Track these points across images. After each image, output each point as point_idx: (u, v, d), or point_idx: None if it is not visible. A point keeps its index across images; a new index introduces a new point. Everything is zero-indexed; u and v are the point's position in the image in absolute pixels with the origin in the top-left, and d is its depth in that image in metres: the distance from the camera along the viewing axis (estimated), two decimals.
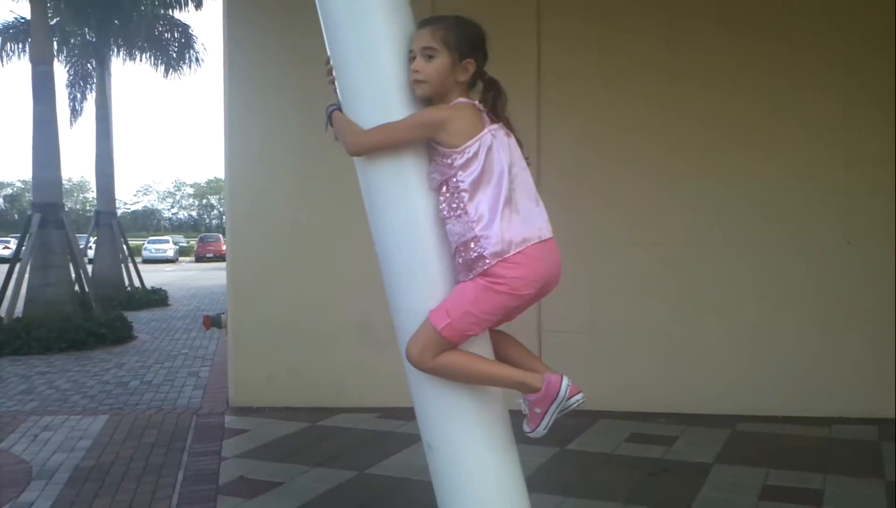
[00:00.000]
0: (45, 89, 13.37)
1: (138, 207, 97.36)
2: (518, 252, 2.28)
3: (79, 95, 21.48)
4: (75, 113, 21.67)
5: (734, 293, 6.19)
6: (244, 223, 6.89)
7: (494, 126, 2.38)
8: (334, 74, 2.48)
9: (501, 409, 2.48)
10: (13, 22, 19.78)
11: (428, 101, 2.41)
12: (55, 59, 19.11)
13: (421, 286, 2.39)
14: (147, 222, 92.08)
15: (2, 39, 19.86)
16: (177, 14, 20.18)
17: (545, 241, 2.36)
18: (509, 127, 2.44)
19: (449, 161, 2.31)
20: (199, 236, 54.87)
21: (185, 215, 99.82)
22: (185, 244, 58.79)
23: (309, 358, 6.76)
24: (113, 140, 20.57)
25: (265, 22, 6.71)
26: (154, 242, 51.85)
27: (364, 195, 2.48)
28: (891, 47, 5.74)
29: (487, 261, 2.27)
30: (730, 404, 6.15)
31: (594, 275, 6.32)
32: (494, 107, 2.42)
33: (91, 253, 20.76)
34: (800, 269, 6.08)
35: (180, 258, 51.58)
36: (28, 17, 15.26)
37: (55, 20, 19.60)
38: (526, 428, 2.43)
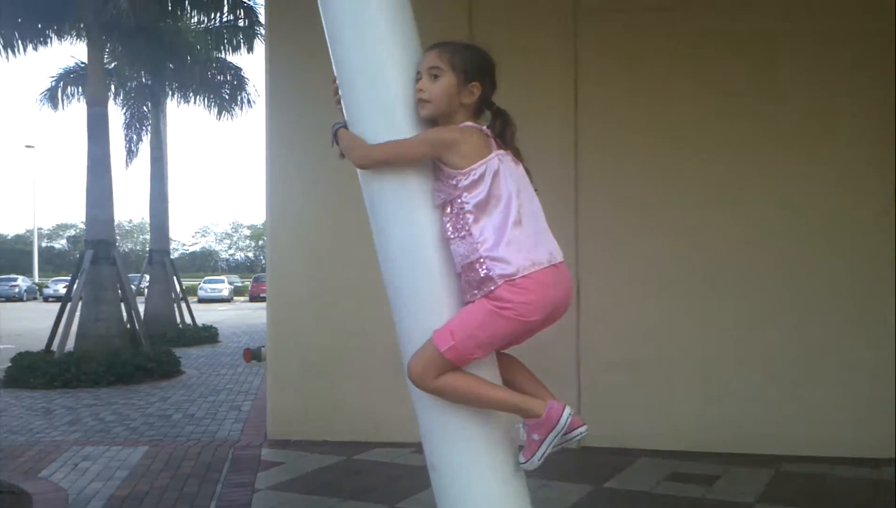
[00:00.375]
0: (100, 130, 13.75)
1: (196, 248, 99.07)
2: (525, 276, 2.22)
3: (134, 137, 21.96)
4: (131, 154, 22.15)
5: (779, 331, 6.03)
6: (284, 258, 6.96)
7: (501, 152, 2.35)
8: (340, 92, 2.48)
9: (506, 433, 2.42)
10: (73, 67, 20.37)
11: (433, 122, 2.39)
12: (112, 102, 19.78)
13: (425, 305, 2.34)
14: (205, 263, 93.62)
15: (62, 84, 20.43)
16: (229, 57, 20.59)
17: (555, 265, 2.30)
18: (518, 156, 2.41)
19: (454, 182, 2.29)
20: (254, 276, 55.54)
21: (242, 256, 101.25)
22: (240, 284, 59.57)
23: (347, 392, 6.75)
24: (167, 180, 21.03)
25: (306, 65, 6.74)
26: (209, 281, 52.64)
27: (369, 213, 2.46)
28: None
29: (496, 281, 2.22)
30: (774, 443, 5.98)
31: (635, 311, 6.23)
32: (503, 135, 2.39)
33: (145, 291, 21.08)
34: (847, 308, 5.91)
35: (235, 298, 52.23)
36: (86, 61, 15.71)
37: (112, 64, 20.18)
38: (520, 459, 2.35)
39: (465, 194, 2.27)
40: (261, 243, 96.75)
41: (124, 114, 21.83)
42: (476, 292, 2.27)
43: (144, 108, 21.61)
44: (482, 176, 2.27)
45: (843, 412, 5.90)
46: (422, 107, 2.36)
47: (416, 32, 2.49)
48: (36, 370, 11.53)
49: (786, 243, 6.01)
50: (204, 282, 52.30)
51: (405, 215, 2.37)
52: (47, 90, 20.48)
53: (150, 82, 20.76)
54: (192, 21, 19.13)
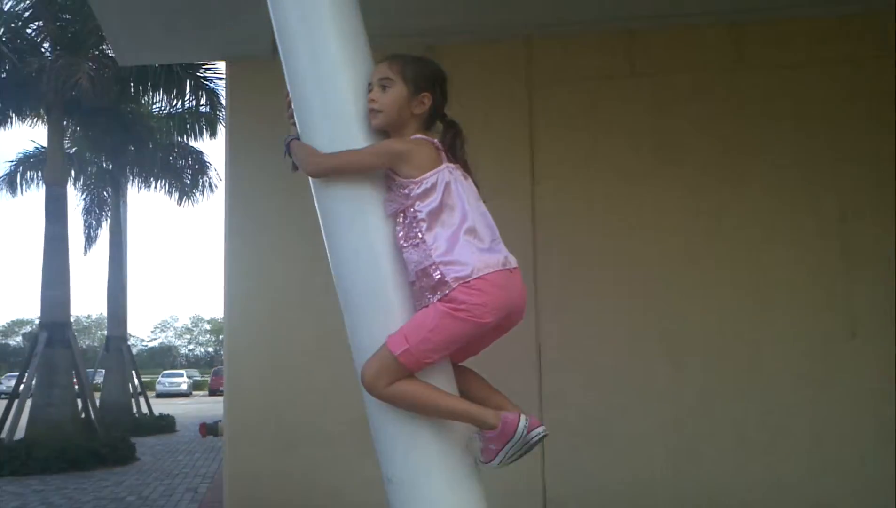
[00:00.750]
0: (58, 210, 13.59)
1: (155, 343, 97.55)
2: (479, 278, 2.22)
3: (94, 223, 21.70)
4: (90, 240, 21.81)
5: (747, 395, 5.87)
6: (241, 326, 6.70)
7: (451, 165, 2.37)
8: (293, 105, 2.48)
9: (461, 438, 2.35)
10: (32, 151, 20.26)
11: (384, 134, 2.41)
12: (72, 186, 19.59)
13: (377, 312, 2.32)
14: (164, 359, 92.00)
15: (21, 168, 20.27)
16: (192, 142, 20.64)
17: (509, 270, 2.30)
18: (467, 169, 2.43)
19: (406, 191, 2.29)
20: (213, 370, 54.62)
21: (202, 350, 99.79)
22: (199, 379, 58.50)
23: (307, 460, 6.45)
24: (126, 266, 20.74)
25: (265, 154, 6.60)
26: (168, 375, 51.59)
27: (321, 221, 2.44)
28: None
29: (450, 285, 2.21)
30: None
31: (597, 373, 6.06)
32: (453, 147, 2.42)
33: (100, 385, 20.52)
34: (816, 372, 5.78)
35: (194, 392, 51.20)
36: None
37: (73, 149, 20.08)
38: (480, 457, 2.31)
39: (417, 203, 2.28)
40: (220, 337, 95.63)
41: (84, 199, 21.62)
42: (430, 296, 2.25)
43: (104, 193, 21.44)
44: (434, 186, 2.29)
45: (812, 478, 5.71)
46: (373, 117, 2.38)
47: (368, 45, 2.51)
48: None
49: (752, 309, 5.89)
50: (162, 376, 51.25)
51: (356, 222, 2.37)
52: (6, 174, 20.36)
53: (110, 167, 20.64)
54: (155, 106, 19.17)
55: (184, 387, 49.12)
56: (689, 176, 5.97)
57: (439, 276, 2.22)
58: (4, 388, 46.66)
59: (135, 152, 19.39)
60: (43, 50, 15.36)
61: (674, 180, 5.97)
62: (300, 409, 6.42)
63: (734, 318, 5.86)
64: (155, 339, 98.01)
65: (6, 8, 15.48)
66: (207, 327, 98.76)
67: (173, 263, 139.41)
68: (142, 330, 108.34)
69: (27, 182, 20.46)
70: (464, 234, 2.26)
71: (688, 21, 5.95)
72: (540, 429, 2.27)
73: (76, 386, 13.18)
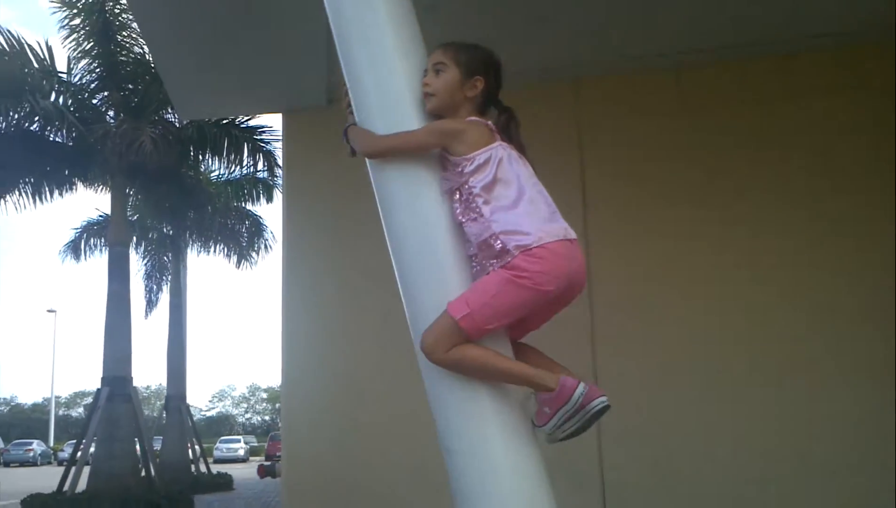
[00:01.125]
0: (121, 269, 14.04)
1: (213, 412, 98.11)
2: (541, 246, 2.24)
3: (154, 287, 22.28)
4: (151, 304, 22.36)
5: (807, 430, 5.79)
6: (299, 374, 6.73)
7: (504, 143, 2.44)
8: (349, 93, 2.59)
9: (518, 407, 2.36)
10: (96, 219, 20.96)
11: (438, 117, 2.48)
12: (133, 251, 20.15)
13: (434, 286, 2.37)
14: (221, 427, 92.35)
15: (85, 235, 20.96)
16: (249, 206, 21.20)
17: (570, 240, 2.33)
18: (522, 152, 2.48)
19: (459, 169, 2.36)
20: (270, 435, 54.73)
21: (259, 419, 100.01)
22: (256, 445, 58.61)
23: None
24: (186, 327, 21.15)
25: (321, 201, 6.77)
26: (225, 441, 51.82)
27: (378, 199, 2.52)
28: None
29: (512, 253, 2.24)
30: None
31: (660, 414, 6.03)
32: (507, 129, 2.49)
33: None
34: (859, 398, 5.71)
35: (251, 458, 51.28)
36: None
37: (135, 216, 20.73)
38: (535, 420, 2.32)
39: (471, 179, 2.34)
40: (277, 405, 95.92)
41: (145, 264, 22.24)
42: (494, 262, 2.29)
43: (165, 257, 22.01)
44: (487, 161, 2.35)
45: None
46: (427, 100, 2.46)
47: (420, 34, 2.61)
48: None
49: (799, 340, 5.84)
50: (220, 442, 51.50)
51: (412, 198, 2.44)
52: (70, 242, 21.04)
53: (171, 232, 21.23)
54: (213, 171, 19.81)
55: (241, 452, 49.24)
56: (742, 206, 5.92)
57: (500, 245, 2.25)
58: (67, 455, 47.39)
59: (194, 217, 19.95)
60: (108, 118, 16.10)
61: (727, 210, 5.96)
62: (357, 474, 6.43)
63: (794, 342, 5.80)
64: (213, 408, 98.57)
65: (74, 80, 16.34)
66: (264, 395, 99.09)
67: (231, 328, 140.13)
68: (200, 399, 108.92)
69: (91, 248, 21.13)
70: (522, 205, 2.30)
71: (735, 55, 5.99)
72: (602, 399, 2.25)
73: (136, 440, 13.40)
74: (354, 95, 2.57)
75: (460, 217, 2.35)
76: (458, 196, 2.37)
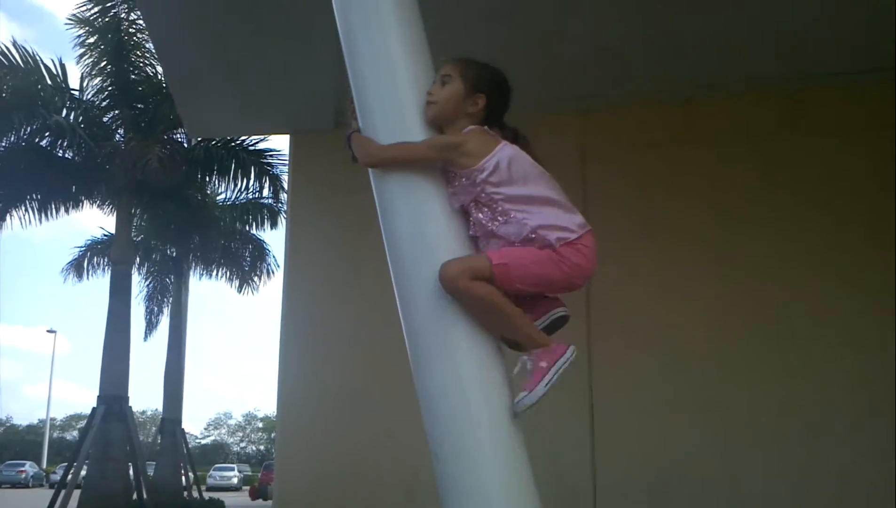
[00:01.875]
0: (122, 287, 14.04)
1: (208, 440, 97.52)
2: (580, 237, 2.36)
3: (155, 309, 22.17)
4: (151, 326, 22.24)
5: (808, 449, 5.74)
6: (295, 399, 6.68)
7: (508, 141, 2.47)
8: (354, 98, 2.61)
9: (510, 416, 2.36)
10: (100, 238, 20.98)
11: (438, 128, 2.50)
12: (135, 273, 20.15)
13: (432, 292, 2.36)
14: (215, 457, 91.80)
15: (88, 253, 20.95)
16: (253, 230, 21.20)
17: (591, 232, 2.42)
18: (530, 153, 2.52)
19: (471, 180, 2.38)
20: (264, 464, 54.35)
21: (254, 448, 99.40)
22: (250, 474, 58.18)
23: None
24: (185, 350, 21.07)
25: (326, 222, 6.73)
26: (219, 469, 51.47)
27: (377, 205, 2.53)
28: None
29: (554, 245, 2.34)
30: None
31: (653, 438, 5.99)
32: (516, 141, 2.51)
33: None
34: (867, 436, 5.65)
35: (244, 487, 50.87)
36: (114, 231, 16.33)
37: (139, 237, 20.74)
38: (521, 394, 2.30)
39: (487, 186, 2.36)
40: (273, 435, 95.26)
41: (146, 285, 22.17)
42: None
43: (167, 279, 21.98)
44: (498, 164, 2.37)
45: None
46: (428, 109, 2.48)
47: (427, 45, 2.64)
48: None
49: (807, 371, 5.81)
50: (213, 469, 51.13)
51: (412, 206, 2.46)
52: (73, 260, 20.96)
53: (174, 253, 21.23)
54: (220, 194, 19.87)
55: (234, 481, 48.91)
56: (749, 243, 5.92)
57: (541, 239, 2.34)
58: (59, 478, 47.02)
59: (198, 240, 19.96)
60: (117, 136, 16.21)
61: (732, 246, 5.96)
62: (351, 499, 6.34)
63: (796, 391, 5.74)
64: (208, 436, 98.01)
65: (87, 98, 16.48)
66: (260, 424, 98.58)
67: (230, 353, 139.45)
68: (195, 426, 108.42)
69: (93, 267, 21.05)
70: (545, 198, 2.38)
71: (742, 88, 6.01)
72: (562, 309, 2.48)
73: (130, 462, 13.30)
74: (359, 101, 2.59)
75: (490, 225, 2.38)
76: (475, 208, 2.40)
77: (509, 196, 2.36)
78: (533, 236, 2.34)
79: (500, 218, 2.36)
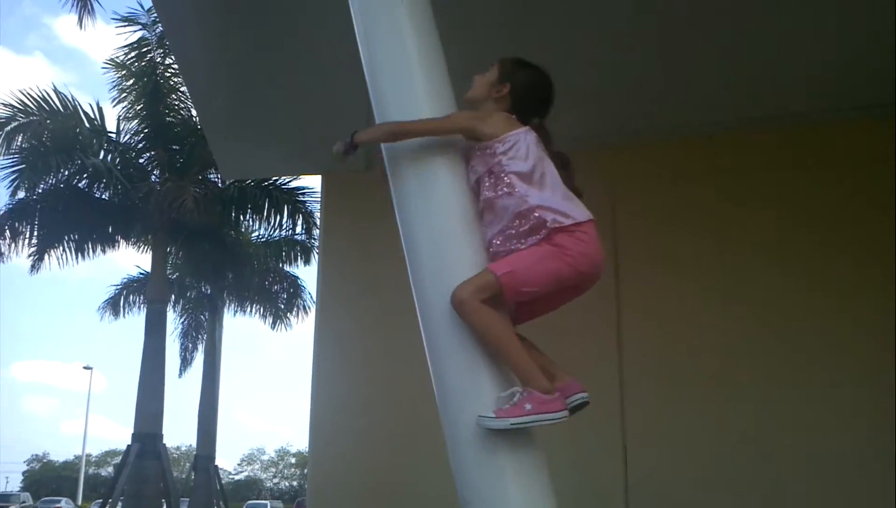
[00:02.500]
0: (158, 325, 14.21)
1: (241, 476, 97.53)
2: (579, 224, 2.38)
3: (190, 346, 22.37)
4: (185, 363, 22.39)
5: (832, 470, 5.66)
6: (327, 436, 6.67)
7: (529, 128, 2.57)
8: (370, 89, 2.72)
9: (540, 461, 2.38)
10: (136, 276, 21.25)
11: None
12: (170, 309, 20.37)
13: (447, 275, 2.42)
14: (248, 492, 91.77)
15: (124, 292, 21.21)
16: (287, 267, 21.35)
17: (594, 221, 2.45)
18: (561, 158, 2.61)
19: (490, 151, 2.48)
20: (297, 501, 54.37)
21: (287, 484, 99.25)
22: None
23: None
24: (219, 385, 21.20)
25: (357, 286, 6.72)
26: (252, 505, 51.61)
27: (392, 190, 2.61)
28: None
29: (548, 225, 2.36)
30: None
31: (683, 473, 5.95)
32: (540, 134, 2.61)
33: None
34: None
35: None
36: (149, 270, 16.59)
37: (174, 275, 20.98)
38: (488, 413, 2.27)
39: (503, 159, 2.45)
40: (306, 470, 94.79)
41: (181, 322, 22.38)
42: (525, 240, 2.38)
43: (202, 316, 22.18)
44: (517, 143, 2.48)
45: None
46: (468, 91, 2.68)
47: (448, 78, 2.71)
48: None
49: (822, 413, 5.74)
50: (246, 505, 51.27)
51: (429, 195, 2.53)
52: (110, 298, 21.22)
53: (209, 291, 21.44)
54: (254, 231, 20.09)
55: None
56: (774, 274, 5.91)
57: (537, 218, 2.37)
58: None
59: (233, 277, 20.15)
60: (153, 177, 16.52)
61: (758, 279, 5.95)
62: None
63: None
64: (241, 472, 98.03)
65: (123, 140, 16.84)
66: (293, 460, 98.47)
67: (263, 389, 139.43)
68: (229, 462, 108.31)
69: (129, 305, 21.30)
70: (552, 185, 2.45)
71: (769, 125, 5.99)
72: (582, 395, 2.45)
73: (163, 499, 13.37)
74: (375, 92, 2.70)
75: (491, 192, 2.46)
76: (486, 177, 2.48)
77: (519, 172, 2.43)
78: (529, 213, 2.38)
79: (504, 189, 2.42)
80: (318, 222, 17.03)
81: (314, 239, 19.07)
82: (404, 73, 2.66)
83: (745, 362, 5.92)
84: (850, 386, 5.64)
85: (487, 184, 2.47)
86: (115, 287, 21.49)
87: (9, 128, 15.42)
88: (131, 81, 16.12)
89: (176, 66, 14.02)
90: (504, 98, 2.64)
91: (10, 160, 15.37)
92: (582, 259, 2.38)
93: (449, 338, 2.43)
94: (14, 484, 69.01)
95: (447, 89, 2.67)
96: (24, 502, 51.60)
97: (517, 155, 2.46)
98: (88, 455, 74.78)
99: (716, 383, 5.89)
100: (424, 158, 2.55)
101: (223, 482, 22.30)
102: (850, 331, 5.74)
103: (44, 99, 15.46)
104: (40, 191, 15.93)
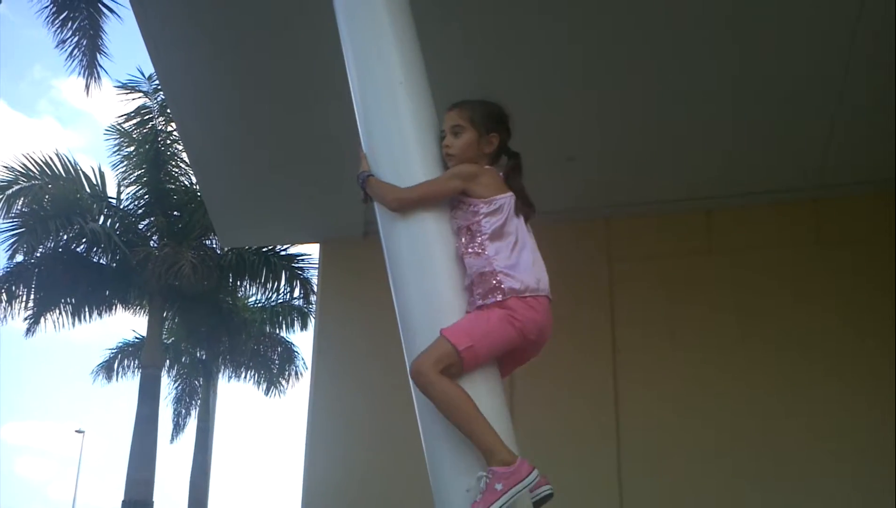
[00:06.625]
0: (152, 391, 14.13)
1: None
2: (534, 296, 2.43)
3: (183, 411, 22.09)
4: (178, 428, 22.08)
5: None
6: (319, 498, 6.58)
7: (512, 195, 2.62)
8: (364, 146, 2.77)
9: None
10: (132, 340, 21.12)
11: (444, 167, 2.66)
12: (165, 375, 20.23)
13: (432, 309, 2.48)
14: None
15: (119, 355, 21.06)
16: (282, 332, 21.29)
17: (549, 299, 2.50)
18: (524, 195, 2.65)
19: (475, 209, 2.53)
20: None
21: None
22: None
23: None
24: (212, 453, 20.94)
25: (353, 352, 6.71)
26: None
27: (380, 226, 2.68)
28: None
29: (504, 292, 2.40)
30: None
31: None
32: (510, 175, 2.66)
33: None
34: None
35: None
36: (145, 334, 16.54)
37: (170, 339, 20.88)
38: (479, 502, 2.20)
39: (483, 220, 2.52)
40: None
41: (175, 387, 22.14)
42: (480, 300, 2.43)
43: (196, 382, 22.00)
44: (501, 207, 2.54)
45: None
46: (449, 160, 2.65)
47: (432, 99, 2.79)
48: None
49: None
50: None
51: (413, 227, 2.59)
52: (104, 362, 21.02)
53: (204, 356, 21.31)
54: (251, 297, 20.08)
55: None
56: (771, 349, 5.90)
57: (496, 282, 2.41)
58: None
59: (228, 343, 20.05)
60: (152, 242, 16.59)
61: (756, 353, 5.94)
62: None
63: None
64: None
65: (123, 205, 16.98)
66: None
67: (257, 457, 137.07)
68: None
69: (124, 369, 21.09)
70: (521, 254, 2.49)
71: (766, 200, 6.08)
72: (547, 487, 2.39)
73: None
74: (371, 148, 2.76)
75: (463, 249, 2.51)
76: (465, 232, 2.54)
77: (492, 236, 2.48)
78: (491, 276, 2.42)
79: (475, 248, 2.48)
80: (314, 288, 17.09)
81: (311, 304, 19.03)
82: (400, 149, 2.69)
83: (746, 433, 5.92)
84: (851, 462, 5.63)
85: (463, 240, 2.53)
86: (110, 351, 21.37)
87: (10, 191, 15.59)
88: (133, 147, 16.31)
89: (177, 133, 14.21)
90: (495, 149, 2.69)
91: (9, 223, 15.50)
92: (531, 326, 2.42)
93: (425, 318, 2.46)
94: None
95: (439, 152, 2.72)
96: None
97: (498, 220, 2.52)
98: None
99: (716, 455, 5.88)
100: (417, 223, 2.59)
101: None
102: (850, 398, 5.75)
103: (46, 163, 15.67)
104: (38, 254, 15.98)
